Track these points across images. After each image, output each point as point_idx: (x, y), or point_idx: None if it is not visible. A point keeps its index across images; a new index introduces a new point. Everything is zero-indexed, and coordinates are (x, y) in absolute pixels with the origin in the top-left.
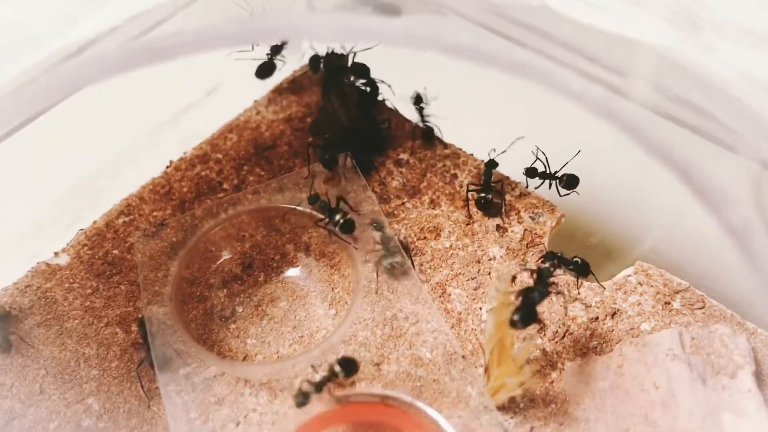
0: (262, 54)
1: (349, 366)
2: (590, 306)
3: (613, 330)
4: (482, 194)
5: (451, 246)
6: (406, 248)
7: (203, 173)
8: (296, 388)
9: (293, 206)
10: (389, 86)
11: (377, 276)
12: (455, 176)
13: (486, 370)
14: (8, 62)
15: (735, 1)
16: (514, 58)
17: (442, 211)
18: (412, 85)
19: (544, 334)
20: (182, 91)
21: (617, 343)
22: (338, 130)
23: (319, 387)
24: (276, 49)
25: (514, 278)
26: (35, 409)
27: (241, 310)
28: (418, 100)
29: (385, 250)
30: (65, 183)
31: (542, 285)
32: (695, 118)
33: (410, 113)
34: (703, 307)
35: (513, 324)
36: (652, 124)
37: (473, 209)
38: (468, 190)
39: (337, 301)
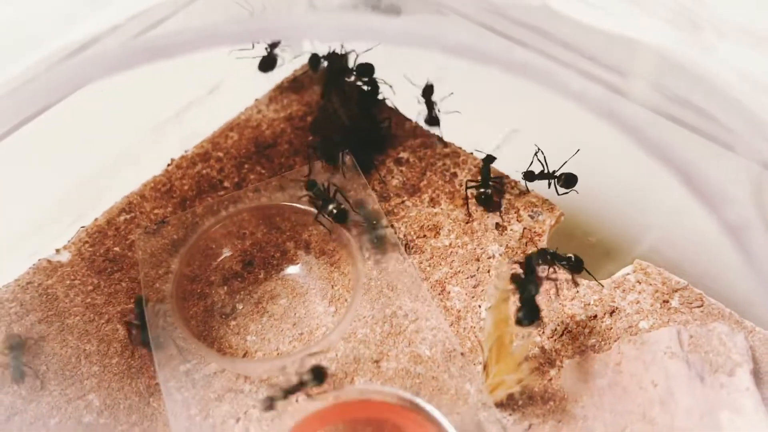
0: (261, 51)
1: (319, 375)
2: (589, 304)
3: (611, 328)
4: (482, 190)
5: (450, 244)
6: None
7: (204, 171)
8: (264, 394)
9: (293, 204)
10: (390, 86)
11: (361, 248)
12: (455, 175)
13: (485, 367)
14: (9, 62)
15: (735, 1)
16: (514, 58)
17: (441, 209)
18: (412, 85)
19: (543, 332)
20: (183, 89)
21: (616, 341)
22: (339, 129)
23: (287, 394)
24: (274, 45)
25: (513, 276)
26: (36, 405)
27: (241, 307)
28: (428, 90)
29: (368, 225)
30: (67, 180)
31: (532, 274)
32: (695, 118)
33: (410, 113)
34: (702, 306)
35: (519, 322)
36: (652, 124)
37: (473, 207)
38: (467, 187)
39: (336, 298)
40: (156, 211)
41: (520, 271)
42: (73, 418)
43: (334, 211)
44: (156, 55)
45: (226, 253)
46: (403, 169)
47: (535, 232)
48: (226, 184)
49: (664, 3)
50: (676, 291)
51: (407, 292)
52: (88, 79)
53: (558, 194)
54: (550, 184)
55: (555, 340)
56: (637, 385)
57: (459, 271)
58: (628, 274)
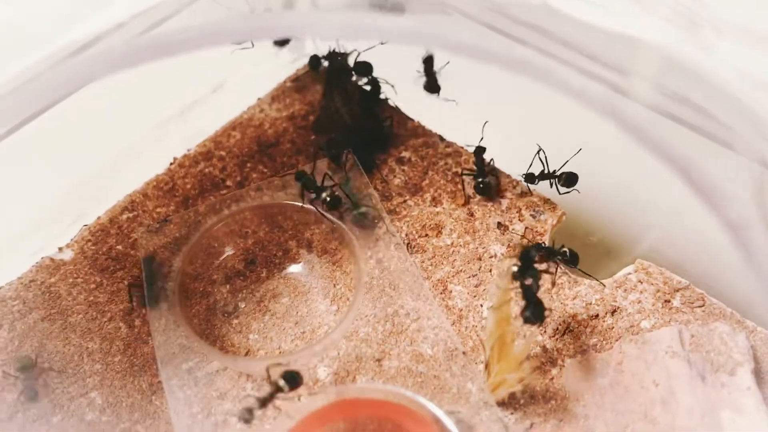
0: (262, 51)
1: (293, 380)
2: (590, 303)
3: (613, 327)
4: (479, 179)
5: (452, 243)
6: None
7: (207, 170)
8: (240, 406)
9: (296, 203)
10: (392, 86)
11: (344, 224)
12: (457, 174)
13: (486, 366)
14: (9, 62)
15: (735, 1)
16: (515, 56)
17: (443, 208)
18: (412, 85)
19: (545, 331)
20: (187, 88)
21: (617, 340)
22: (341, 129)
23: (263, 402)
24: (283, 42)
25: (514, 275)
26: (39, 403)
27: (243, 305)
28: (429, 60)
29: (352, 203)
30: (69, 179)
31: (528, 267)
32: (695, 116)
33: (411, 112)
34: (703, 305)
35: (527, 320)
36: (653, 123)
37: (474, 206)
38: (462, 173)
39: (338, 297)
40: (158, 209)
41: (518, 265)
42: (76, 415)
43: (328, 198)
44: (159, 54)
45: (229, 251)
46: (405, 168)
47: (537, 231)
48: (228, 182)
49: (664, 2)
50: (677, 291)
51: (409, 291)
52: (92, 77)
53: (559, 194)
54: (551, 184)
55: (557, 339)
56: (638, 384)
57: (461, 270)
58: (630, 273)
